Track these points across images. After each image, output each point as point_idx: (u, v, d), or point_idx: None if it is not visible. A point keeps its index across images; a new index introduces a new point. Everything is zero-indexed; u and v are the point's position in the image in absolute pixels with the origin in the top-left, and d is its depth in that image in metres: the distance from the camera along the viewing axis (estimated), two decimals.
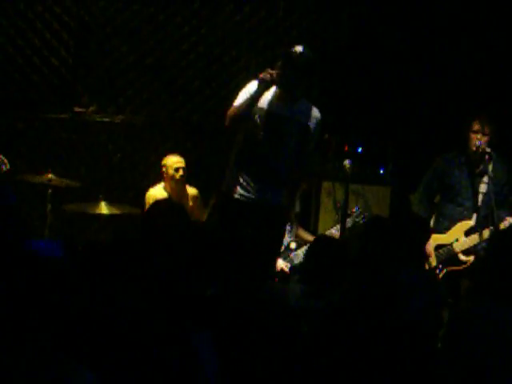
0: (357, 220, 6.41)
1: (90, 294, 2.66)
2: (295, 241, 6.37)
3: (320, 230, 7.02)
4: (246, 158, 5.38)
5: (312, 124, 5.42)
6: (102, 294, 2.74)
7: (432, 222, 6.18)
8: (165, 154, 6.94)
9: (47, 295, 2.44)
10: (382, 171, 7.42)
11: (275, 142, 5.35)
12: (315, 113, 5.46)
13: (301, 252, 6.25)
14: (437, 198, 6.28)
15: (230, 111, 5.34)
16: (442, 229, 6.10)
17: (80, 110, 6.56)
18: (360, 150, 7.39)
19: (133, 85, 7.72)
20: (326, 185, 7.13)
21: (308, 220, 7.19)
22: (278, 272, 6.15)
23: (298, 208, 6.65)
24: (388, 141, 7.55)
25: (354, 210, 6.49)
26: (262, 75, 5.25)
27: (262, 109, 5.32)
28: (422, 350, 3.61)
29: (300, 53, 5.25)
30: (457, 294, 5.89)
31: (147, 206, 6.60)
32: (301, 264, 5.53)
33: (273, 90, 5.36)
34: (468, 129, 6.05)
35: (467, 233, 6.02)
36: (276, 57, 5.65)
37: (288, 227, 6.42)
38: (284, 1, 7.79)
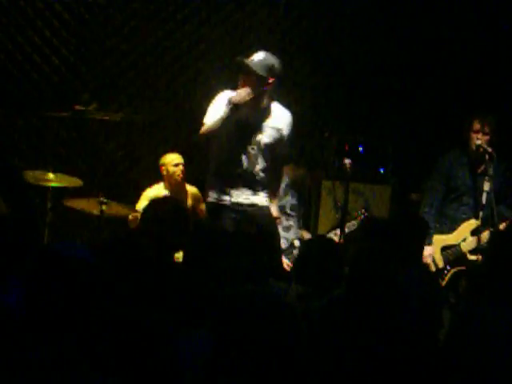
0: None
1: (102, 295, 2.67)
2: (299, 238, 6.37)
3: (320, 229, 7.02)
4: (223, 165, 5.39)
5: (285, 127, 5.46)
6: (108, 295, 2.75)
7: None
8: (165, 153, 6.94)
9: (74, 296, 2.45)
10: (382, 170, 7.42)
11: (250, 148, 5.36)
12: (286, 115, 5.50)
13: None
14: None
15: (203, 131, 5.35)
16: (445, 230, 6.09)
17: (80, 108, 6.53)
18: (360, 148, 7.39)
19: (133, 83, 7.72)
20: (326, 184, 7.12)
21: (308, 219, 7.18)
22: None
23: (301, 209, 6.69)
24: (388, 140, 7.55)
25: (360, 214, 6.45)
26: (236, 100, 5.21)
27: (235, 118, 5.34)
28: (421, 349, 3.61)
29: (254, 62, 5.23)
30: (459, 294, 5.90)
31: (140, 204, 6.60)
32: (293, 265, 5.51)
33: None
34: (468, 128, 6.06)
35: (473, 232, 6.02)
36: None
37: (292, 223, 6.43)
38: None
